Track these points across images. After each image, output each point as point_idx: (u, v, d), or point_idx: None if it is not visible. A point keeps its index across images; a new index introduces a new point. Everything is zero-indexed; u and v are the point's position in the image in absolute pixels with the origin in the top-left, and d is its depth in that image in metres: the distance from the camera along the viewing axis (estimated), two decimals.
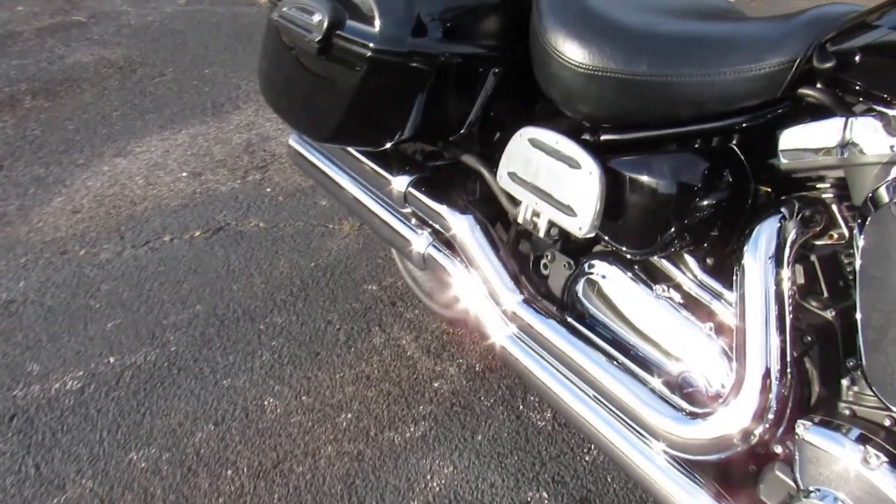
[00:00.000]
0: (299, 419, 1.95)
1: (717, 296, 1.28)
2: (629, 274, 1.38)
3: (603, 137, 1.36)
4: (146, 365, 2.12)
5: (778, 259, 1.13)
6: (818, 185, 1.17)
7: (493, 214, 1.82)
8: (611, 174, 1.28)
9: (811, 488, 1.04)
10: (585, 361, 1.35)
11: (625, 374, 1.31)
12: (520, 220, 1.45)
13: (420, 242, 1.71)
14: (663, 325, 1.32)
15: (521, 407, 1.97)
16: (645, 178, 1.27)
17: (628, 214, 1.29)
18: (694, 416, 1.18)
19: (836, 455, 1.02)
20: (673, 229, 1.25)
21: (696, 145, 1.28)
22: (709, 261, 1.32)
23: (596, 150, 1.32)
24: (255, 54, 2.01)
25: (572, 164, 1.31)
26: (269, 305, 2.36)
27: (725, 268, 1.29)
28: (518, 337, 1.49)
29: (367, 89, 1.50)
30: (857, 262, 0.98)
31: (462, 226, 1.60)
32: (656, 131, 1.30)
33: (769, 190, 1.26)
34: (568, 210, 1.32)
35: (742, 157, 1.26)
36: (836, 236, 1.15)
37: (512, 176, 1.45)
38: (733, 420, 1.11)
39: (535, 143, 1.40)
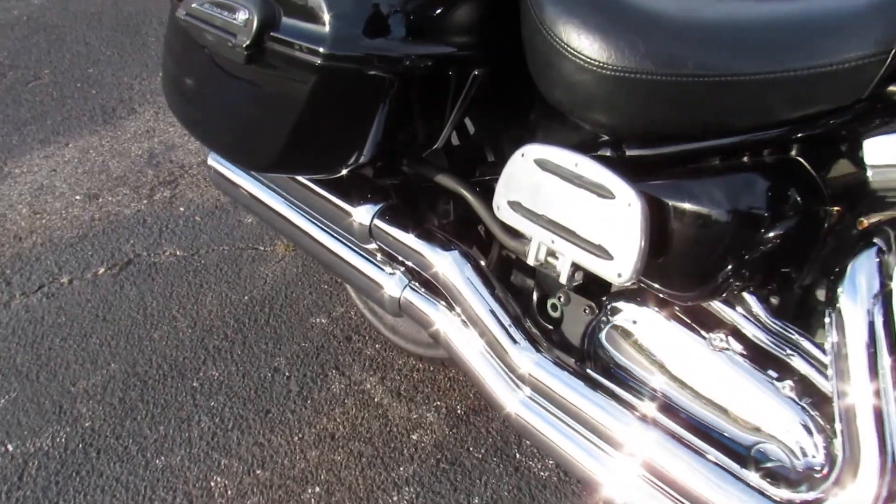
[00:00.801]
0: (257, 501, 1.61)
1: (793, 345, 1.03)
2: (672, 320, 1.12)
3: (630, 153, 1.08)
4: (55, 450, 1.73)
5: (886, 302, 0.89)
6: None
7: (471, 241, 1.53)
8: (652, 202, 1.01)
9: None
10: (627, 430, 1.09)
11: (682, 447, 1.05)
12: (530, 262, 1.16)
13: (393, 285, 1.40)
14: (724, 382, 1.07)
15: (517, 455, 1.70)
16: (694, 205, 1.00)
17: (676, 252, 1.02)
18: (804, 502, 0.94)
19: None
20: (733, 266, 1.00)
21: (754, 158, 1.02)
22: (774, 300, 1.07)
23: (625, 170, 1.04)
24: (145, 48, 1.60)
25: (602, 192, 1.03)
26: (200, 355, 1.99)
27: (800, 310, 1.05)
28: (534, 400, 1.21)
29: (318, 105, 1.16)
30: None
31: (447, 264, 1.30)
32: (700, 143, 1.03)
33: (842, 210, 1.01)
34: (600, 252, 1.04)
35: (812, 172, 1.01)
36: None
37: (515, 206, 1.15)
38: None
39: (544, 165, 1.10)
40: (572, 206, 1.07)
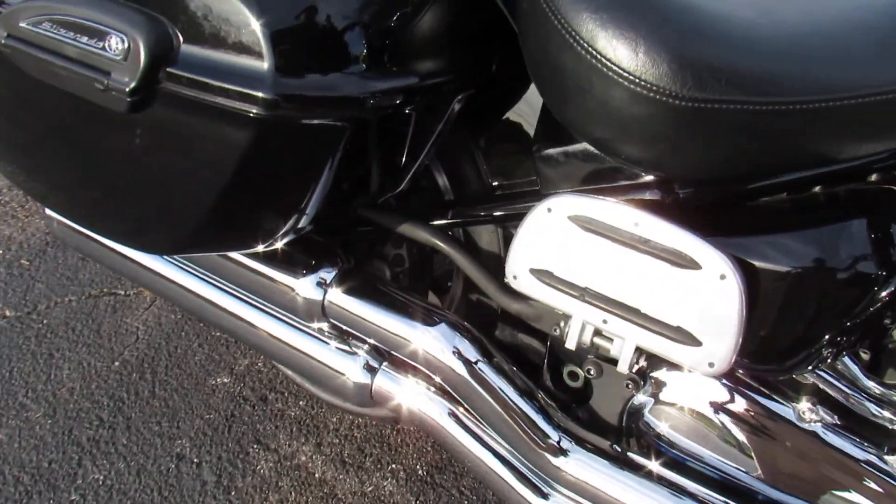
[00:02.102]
0: None
1: None
2: (745, 389, 0.91)
3: (685, 195, 0.84)
4: None
5: None
6: None
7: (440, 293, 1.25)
8: (738, 265, 0.78)
9: None
10: None
11: None
12: (569, 346, 0.90)
13: (358, 370, 1.08)
14: (819, 461, 0.89)
15: None
16: (789, 260, 0.79)
17: (772, 322, 0.81)
18: None
19: None
20: (841, 327, 0.80)
21: (844, 192, 0.82)
22: (865, 356, 0.89)
23: (688, 220, 0.80)
24: None
25: (680, 261, 0.78)
26: (72, 455, 1.55)
27: None
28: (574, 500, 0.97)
29: (248, 167, 0.82)
30: None
31: (431, 341, 1.01)
32: (775, 178, 0.81)
33: None
34: (679, 336, 0.80)
35: None
36: None
37: (542, 276, 0.88)
38: None
39: (587, 224, 0.84)
40: (635, 277, 0.81)
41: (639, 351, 0.85)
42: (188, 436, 1.60)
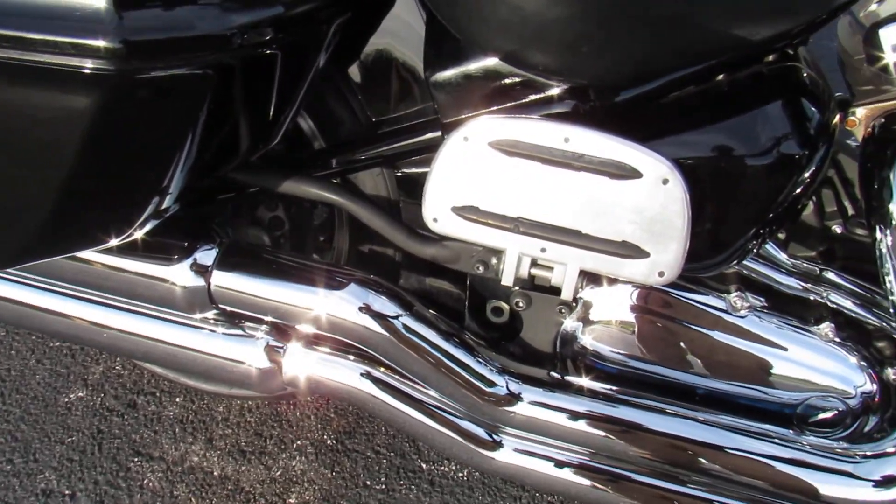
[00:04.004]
0: None
1: (821, 282, 0.89)
2: (677, 290, 0.90)
3: (606, 101, 0.79)
4: None
5: None
6: None
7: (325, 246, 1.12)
8: (679, 167, 0.74)
9: None
10: (650, 436, 0.89)
11: (724, 432, 0.88)
12: (506, 282, 0.83)
13: (260, 355, 0.95)
14: (753, 345, 0.90)
15: (423, 466, 1.42)
16: (716, 153, 0.77)
17: (709, 218, 0.79)
18: (883, 453, 0.83)
19: None
20: (774, 211, 0.80)
21: (755, 78, 0.80)
22: (782, 235, 0.91)
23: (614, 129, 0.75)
24: None
25: (619, 172, 0.73)
26: None
27: (815, 240, 0.90)
28: (525, 438, 0.93)
29: (98, 142, 0.65)
30: None
31: (343, 304, 0.90)
32: (688, 69, 0.78)
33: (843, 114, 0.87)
34: (626, 251, 0.76)
35: (815, 76, 0.83)
36: None
37: (466, 213, 0.79)
38: None
39: (511, 148, 0.75)
40: (571, 197, 0.75)
41: (582, 275, 0.80)
42: (51, 467, 1.37)
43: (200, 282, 0.89)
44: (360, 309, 0.90)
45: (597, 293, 0.92)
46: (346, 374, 0.96)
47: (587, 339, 0.94)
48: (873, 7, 0.81)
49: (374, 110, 1.01)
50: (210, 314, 0.94)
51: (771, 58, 0.83)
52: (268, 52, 0.73)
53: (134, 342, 0.95)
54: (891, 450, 0.81)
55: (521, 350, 0.97)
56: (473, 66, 0.79)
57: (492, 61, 0.77)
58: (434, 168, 0.78)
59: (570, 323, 0.94)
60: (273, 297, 0.90)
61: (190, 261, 0.88)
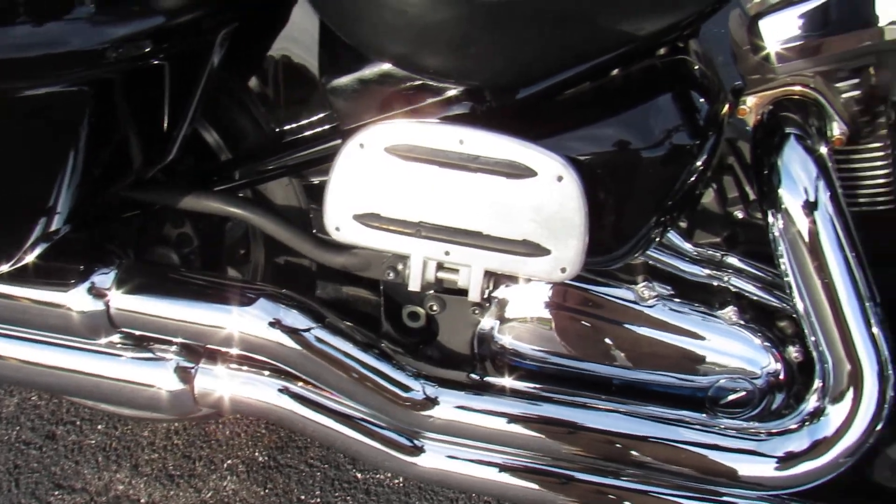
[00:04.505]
0: None
1: (722, 267, 0.92)
2: (587, 285, 0.92)
3: (498, 102, 0.79)
4: None
5: (831, 194, 0.81)
6: (811, 82, 0.85)
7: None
8: (574, 164, 0.75)
9: None
10: (572, 431, 0.91)
11: (638, 420, 0.90)
12: (413, 287, 0.82)
13: (170, 377, 0.92)
14: (662, 332, 0.92)
15: (357, 475, 1.40)
16: (613, 147, 0.78)
17: (608, 212, 0.80)
18: (787, 430, 0.86)
19: None
20: (670, 200, 0.82)
21: (645, 72, 0.82)
22: (683, 224, 0.93)
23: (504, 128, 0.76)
24: None
25: (514, 171, 0.73)
26: None
27: (714, 226, 0.93)
28: (447, 441, 0.93)
29: None
30: None
31: (251, 321, 0.89)
32: (578, 68, 0.79)
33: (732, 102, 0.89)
34: (527, 249, 0.76)
35: (702, 67, 0.85)
36: (843, 139, 0.87)
37: (368, 220, 0.79)
38: (861, 408, 0.82)
39: (407, 152, 0.75)
40: (470, 199, 0.75)
41: (488, 275, 0.80)
42: None
43: (99, 305, 0.85)
44: (271, 324, 0.88)
45: (509, 291, 0.93)
46: (263, 392, 0.94)
47: (503, 338, 0.95)
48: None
49: (277, 120, 1.00)
50: (116, 338, 0.90)
51: (662, 51, 0.85)
52: (150, 65, 0.71)
53: (37, 372, 0.91)
54: (793, 426, 0.84)
55: (440, 353, 0.97)
56: (368, 71, 0.79)
57: (386, 66, 0.77)
58: (332, 177, 0.77)
59: (485, 323, 0.95)
60: (178, 316, 0.88)
61: (87, 284, 0.85)
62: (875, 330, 0.81)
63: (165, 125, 0.81)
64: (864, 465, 0.89)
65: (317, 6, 0.73)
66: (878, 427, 0.83)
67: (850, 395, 0.83)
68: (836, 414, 0.84)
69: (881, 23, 0.76)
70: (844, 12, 0.78)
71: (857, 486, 0.92)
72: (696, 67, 0.84)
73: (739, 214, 0.94)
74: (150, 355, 0.92)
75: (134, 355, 0.91)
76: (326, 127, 0.94)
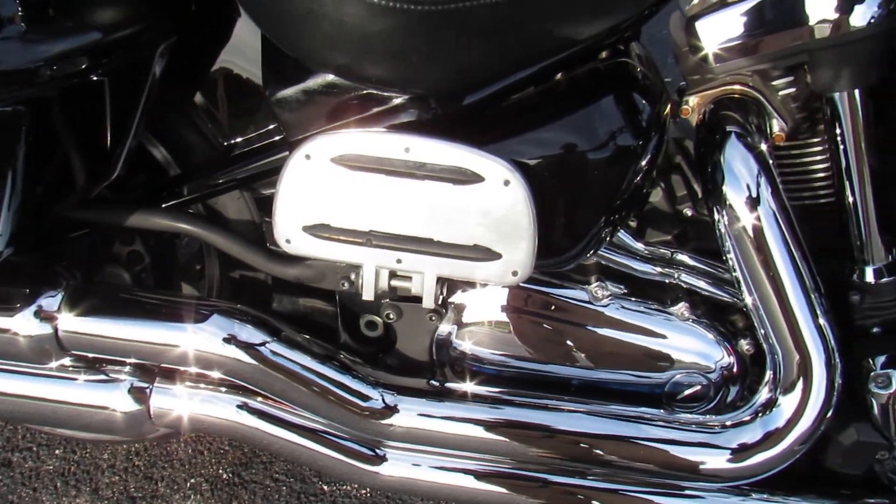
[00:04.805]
0: None
1: (672, 264, 0.93)
2: (542, 287, 0.92)
3: (445, 109, 0.80)
4: None
5: (773, 190, 0.83)
6: (750, 81, 0.87)
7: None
8: (521, 168, 0.76)
9: None
10: (533, 432, 0.91)
11: (598, 419, 0.91)
12: (367, 296, 0.82)
13: (124, 399, 0.91)
14: (617, 331, 0.94)
15: (324, 488, 1.39)
16: (559, 149, 0.80)
17: (557, 215, 0.81)
18: (741, 422, 0.88)
19: None
20: (619, 200, 0.83)
21: (590, 76, 0.83)
22: (633, 223, 0.94)
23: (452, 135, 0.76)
24: None
25: (461, 177, 0.74)
26: None
27: (663, 224, 0.94)
28: (409, 450, 0.93)
29: None
30: None
31: (213, 342, 0.88)
32: (523, 73, 0.80)
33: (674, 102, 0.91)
34: (478, 254, 0.77)
35: (644, 70, 0.87)
36: (783, 135, 0.89)
37: (318, 231, 0.78)
38: (812, 397, 0.84)
39: (352, 162, 0.75)
40: (419, 206, 0.75)
41: (441, 281, 0.80)
42: None
43: (47, 329, 0.84)
44: (226, 340, 0.87)
45: (465, 296, 0.93)
46: (222, 409, 0.93)
47: (460, 343, 0.95)
48: (695, 0, 0.86)
49: (225, 133, 0.99)
50: (68, 362, 0.88)
51: (604, 55, 0.86)
52: (87, 81, 0.70)
53: None
54: (747, 418, 0.86)
55: (400, 361, 0.97)
56: (312, 82, 0.79)
57: (330, 77, 0.77)
58: (280, 189, 0.77)
59: (442, 329, 0.95)
60: (130, 336, 0.86)
61: (34, 308, 0.83)
62: (821, 321, 0.84)
63: (107, 142, 0.80)
64: (817, 452, 0.92)
65: (255, 19, 0.73)
66: (829, 414, 0.86)
67: (800, 385, 0.85)
68: (787, 404, 0.86)
69: (811, 22, 0.78)
70: (776, 12, 0.80)
71: (812, 474, 0.94)
72: (638, 69, 0.85)
73: (689, 212, 0.95)
74: (103, 377, 0.91)
75: (86, 378, 0.90)
76: (275, 139, 0.93)
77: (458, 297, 0.94)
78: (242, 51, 0.95)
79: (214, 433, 0.95)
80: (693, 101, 0.90)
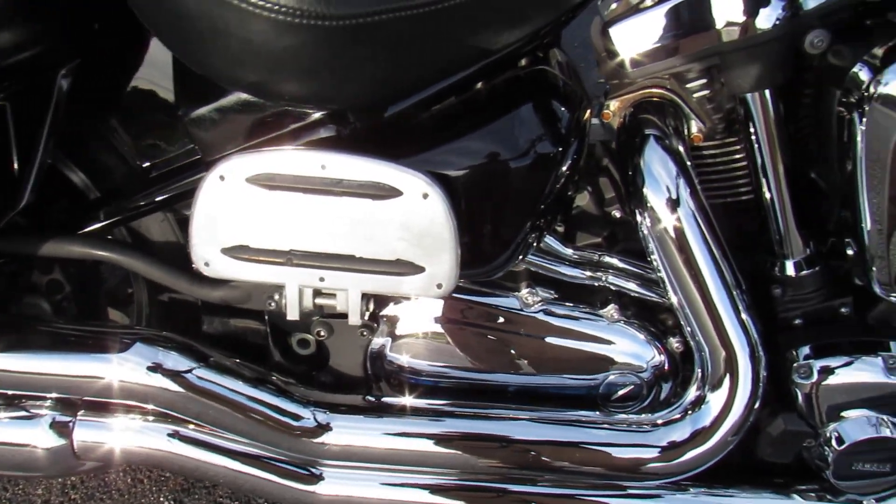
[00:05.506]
0: None
1: (599, 266, 0.94)
2: (474, 296, 0.92)
3: (363, 124, 0.79)
4: None
5: (692, 191, 0.84)
6: (667, 84, 0.88)
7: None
8: (438, 180, 0.76)
9: (843, 420, 0.88)
10: (476, 443, 0.91)
11: (534, 424, 0.92)
12: (291, 316, 0.81)
13: (45, 435, 0.88)
14: (550, 335, 0.94)
15: None
16: (479, 159, 0.80)
17: (480, 225, 0.81)
18: (671, 420, 0.89)
19: (861, 376, 0.87)
20: (540, 210, 0.84)
21: (507, 85, 0.84)
22: (560, 229, 0.95)
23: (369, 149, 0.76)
24: None
25: (379, 192, 0.73)
26: None
27: (591, 227, 0.95)
28: (348, 467, 0.92)
29: None
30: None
31: (136, 372, 0.86)
32: (441, 84, 0.80)
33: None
34: (401, 269, 0.76)
35: (561, 76, 0.87)
36: (701, 136, 0.91)
37: (240, 252, 0.77)
38: (738, 391, 0.86)
39: (268, 182, 0.74)
40: (338, 223, 0.74)
41: (366, 297, 0.79)
42: None
43: None
44: (150, 368, 0.85)
45: (397, 308, 0.92)
46: (152, 439, 0.90)
47: (394, 357, 0.94)
48: (612, 6, 0.87)
49: (143, 154, 0.96)
50: None
51: (523, 62, 0.87)
52: None
53: None
54: (677, 416, 0.87)
55: (335, 379, 0.96)
56: (225, 101, 0.77)
57: (243, 94, 0.75)
58: (195, 211, 0.75)
59: (376, 343, 0.94)
60: (48, 370, 0.83)
61: None
62: (744, 316, 0.85)
63: (13, 167, 0.77)
64: (749, 444, 0.94)
65: (161, 38, 0.71)
66: (756, 405, 0.87)
67: (727, 380, 0.86)
68: (715, 400, 0.87)
69: (720, 25, 0.80)
70: (687, 17, 0.81)
71: (746, 465, 0.96)
72: (557, 76, 0.86)
73: (617, 214, 0.96)
74: (23, 413, 0.87)
75: (5, 415, 0.86)
76: (194, 158, 0.91)
77: (390, 310, 0.93)
78: (158, 69, 0.92)
79: (146, 464, 0.92)
80: (614, 105, 0.91)
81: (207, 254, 0.77)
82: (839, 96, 0.77)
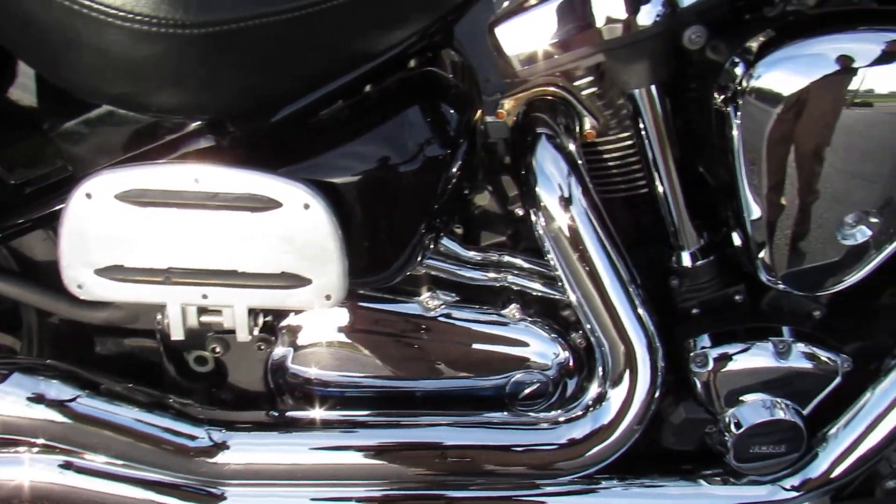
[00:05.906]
0: None
1: (501, 267, 0.94)
2: (374, 303, 0.91)
3: (242, 134, 0.76)
4: None
5: (583, 189, 0.85)
6: (559, 82, 0.88)
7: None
8: (321, 189, 0.74)
9: (739, 405, 0.90)
10: (380, 452, 0.90)
11: (446, 428, 0.91)
12: (175, 336, 0.78)
13: None
14: (453, 341, 0.93)
15: None
16: (366, 165, 0.78)
17: (369, 233, 0.79)
18: (573, 418, 0.90)
19: (754, 361, 0.89)
20: (432, 213, 0.82)
21: (389, 84, 0.82)
22: (459, 230, 0.94)
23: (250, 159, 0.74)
24: None
25: (258, 204, 0.71)
26: None
27: (506, 224, 0.94)
28: (257, 484, 0.89)
29: None
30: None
31: (14, 405, 0.82)
32: (320, 91, 0.78)
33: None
34: (287, 282, 0.74)
35: (448, 77, 0.86)
36: (594, 133, 0.91)
37: (115, 273, 0.73)
38: (638, 385, 0.87)
39: (138, 198, 0.70)
40: (217, 238, 0.72)
41: (255, 311, 0.77)
42: None
43: None
44: (31, 399, 0.80)
45: (297, 319, 0.90)
46: (41, 472, 0.85)
47: (296, 368, 0.92)
48: (504, 4, 0.86)
49: (14, 171, 0.90)
50: None
51: (412, 64, 0.85)
52: None
53: None
54: (578, 413, 0.88)
55: (235, 395, 0.93)
56: (93, 114, 0.73)
57: (105, 108, 0.72)
58: (62, 232, 0.71)
59: (276, 355, 0.91)
60: None
61: None
62: (640, 310, 0.86)
63: None
64: (653, 433, 0.95)
65: (14, 49, 0.67)
66: (657, 396, 0.89)
67: (626, 374, 0.87)
68: (616, 394, 0.89)
69: (602, 23, 0.80)
70: (570, 15, 0.81)
71: (652, 454, 0.97)
72: (445, 77, 0.85)
73: (520, 212, 0.96)
74: None
75: None
76: (64, 176, 0.86)
77: (289, 321, 0.91)
78: (25, 83, 0.87)
79: (38, 499, 0.87)
80: (508, 103, 0.90)
81: (80, 276, 0.73)
82: (717, 90, 0.79)
